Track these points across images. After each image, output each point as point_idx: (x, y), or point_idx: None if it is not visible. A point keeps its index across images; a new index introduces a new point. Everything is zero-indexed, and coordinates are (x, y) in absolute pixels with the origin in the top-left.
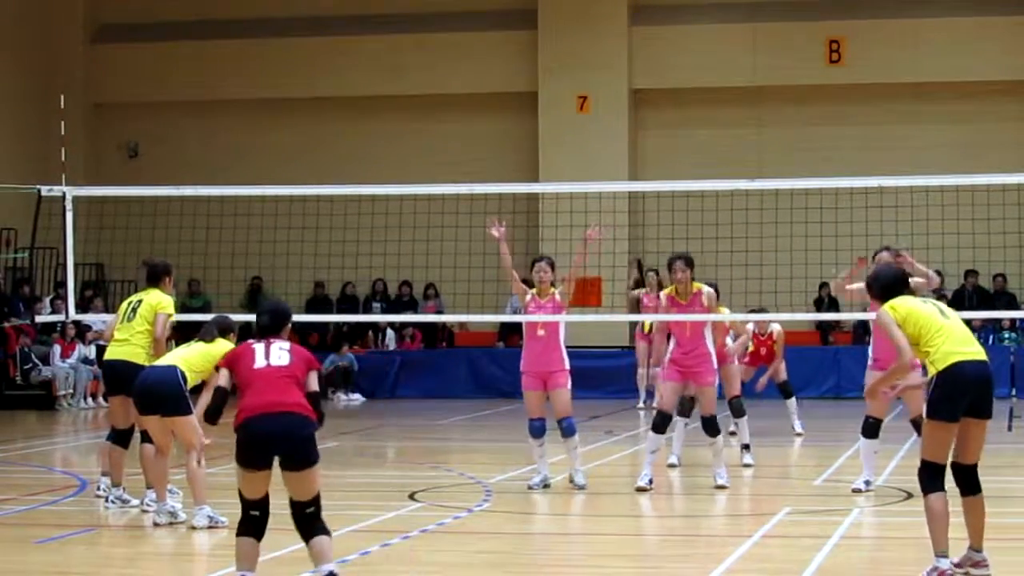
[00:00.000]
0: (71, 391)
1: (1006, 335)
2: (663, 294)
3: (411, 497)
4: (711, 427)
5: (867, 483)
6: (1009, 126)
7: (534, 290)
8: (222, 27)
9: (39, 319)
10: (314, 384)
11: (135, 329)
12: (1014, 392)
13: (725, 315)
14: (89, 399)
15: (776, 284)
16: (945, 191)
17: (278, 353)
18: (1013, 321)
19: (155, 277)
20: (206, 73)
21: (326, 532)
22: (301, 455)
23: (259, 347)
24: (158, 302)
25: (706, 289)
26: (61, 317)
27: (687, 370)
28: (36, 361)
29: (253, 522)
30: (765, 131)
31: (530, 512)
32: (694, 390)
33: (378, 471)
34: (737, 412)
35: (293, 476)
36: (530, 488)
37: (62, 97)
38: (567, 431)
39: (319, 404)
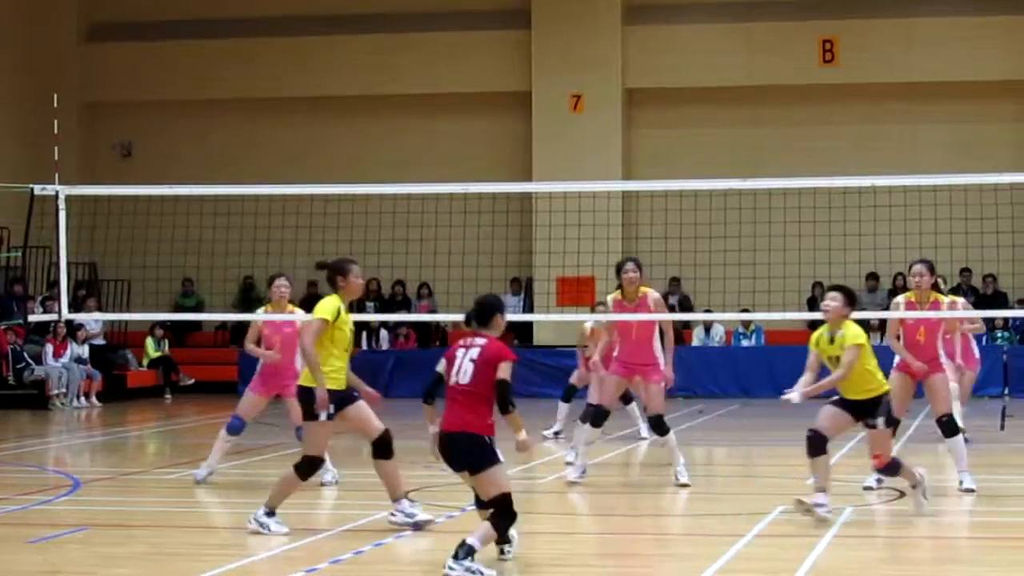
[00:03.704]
0: (64, 391)
1: (999, 334)
2: (610, 297)
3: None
4: (659, 426)
5: (878, 480)
6: (1003, 126)
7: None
8: (216, 26)
9: (32, 318)
10: (504, 372)
11: None
12: (1007, 391)
13: (720, 315)
14: (82, 399)
15: (769, 283)
16: (938, 191)
17: (466, 367)
18: (1006, 320)
19: (329, 279)
20: (200, 72)
21: (493, 523)
22: (466, 464)
23: (459, 354)
24: (314, 310)
25: (653, 294)
26: (54, 316)
27: (633, 367)
28: (29, 360)
29: None
30: (758, 131)
31: (523, 511)
32: (641, 388)
33: (371, 470)
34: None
35: (471, 478)
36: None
37: (55, 96)
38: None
39: (505, 392)
